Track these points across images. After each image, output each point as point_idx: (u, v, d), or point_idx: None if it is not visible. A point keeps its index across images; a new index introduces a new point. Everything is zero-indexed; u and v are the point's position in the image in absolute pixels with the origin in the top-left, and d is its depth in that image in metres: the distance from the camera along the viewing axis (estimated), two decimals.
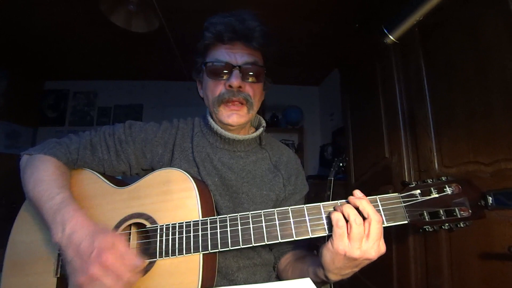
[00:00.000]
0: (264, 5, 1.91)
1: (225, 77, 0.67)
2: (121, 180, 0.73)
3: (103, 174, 0.70)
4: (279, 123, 3.45)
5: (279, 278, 0.76)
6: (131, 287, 0.50)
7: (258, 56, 0.70)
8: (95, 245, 0.48)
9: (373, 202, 0.53)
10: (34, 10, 2.00)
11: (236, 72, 0.66)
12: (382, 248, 0.50)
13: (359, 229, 0.48)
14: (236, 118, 0.68)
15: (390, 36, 1.15)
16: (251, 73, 0.68)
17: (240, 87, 0.66)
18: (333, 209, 0.53)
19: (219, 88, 0.68)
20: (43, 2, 1.90)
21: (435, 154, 1.23)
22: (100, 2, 1.67)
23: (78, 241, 0.49)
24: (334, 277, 0.54)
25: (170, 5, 1.92)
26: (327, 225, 0.53)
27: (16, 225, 0.67)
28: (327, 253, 0.51)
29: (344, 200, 0.53)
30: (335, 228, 0.49)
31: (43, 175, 0.61)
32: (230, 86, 0.66)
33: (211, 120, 0.73)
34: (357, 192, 0.53)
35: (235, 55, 0.67)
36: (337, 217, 0.49)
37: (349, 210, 0.49)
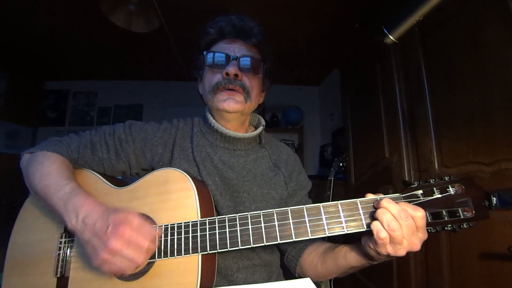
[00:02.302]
0: (264, 5, 1.91)
1: (223, 68, 0.69)
2: (121, 180, 0.73)
3: (103, 175, 0.70)
4: (279, 123, 3.44)
5: (300, 276, 0.72)
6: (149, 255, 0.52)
7: (256, 52, 0.73)
8: (109, 221, 0.50)
9: (374, 201, 0.53)
10: (34, 10, 2.00)
11: (233, 62, 0.69)
12: (423, 236, 0.51)
13: (398, 232, 0.47)
14: (232, 103, 0.68)
15: (390, 36, 1.15)
16: (248, 65, 0.70)
17: (237, 75, 0.68)
18: (337, 208, 0.52)
19: (217, 77, 0.70)
20: (43, 2, 1.90)
21: (435, 154, 1.23)
22: (100, 2, 1.67)
23: (92, 222, 0.51)
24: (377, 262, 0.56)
25: (170, 5, 1.92)
26: (326, 225, 0.52)
27: (17, 225, 0.67)
28: (369, 251, 0.52)
29: (363, 199, 0.53)
30: (378, 240, 0.48)
31: (49, 169, 0.62)
32: (227, 74, 0.68)
33: (210, 118, 0.74)
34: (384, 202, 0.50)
35: (235, 49, 0.71)
36: (377, 227, 0.48)
37: (387, 217, 0.48)
